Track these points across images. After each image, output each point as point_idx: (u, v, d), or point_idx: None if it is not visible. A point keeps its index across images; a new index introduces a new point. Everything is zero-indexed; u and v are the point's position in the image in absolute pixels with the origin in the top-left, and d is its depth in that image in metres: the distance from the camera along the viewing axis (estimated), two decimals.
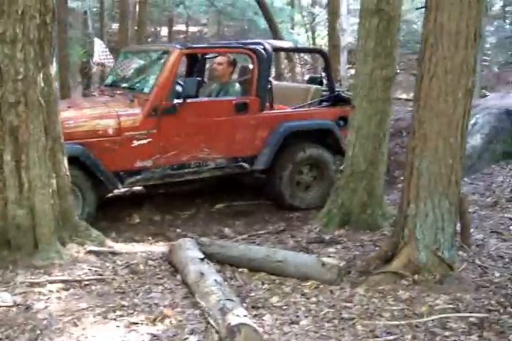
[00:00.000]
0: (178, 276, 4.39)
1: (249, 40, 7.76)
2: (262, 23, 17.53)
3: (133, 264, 4.57)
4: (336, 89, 7.46)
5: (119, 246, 4.92)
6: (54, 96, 4.50)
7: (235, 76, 7.33)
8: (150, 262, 4.66)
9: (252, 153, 6.71)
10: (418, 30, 17.17)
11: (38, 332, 3.54)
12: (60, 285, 4.12)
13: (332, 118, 7.15)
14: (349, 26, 17.53)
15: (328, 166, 7.09)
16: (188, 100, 6.20)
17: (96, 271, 4.39)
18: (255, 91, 6.69)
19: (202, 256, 4.42)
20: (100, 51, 10.64)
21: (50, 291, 4.04)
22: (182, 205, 6.89)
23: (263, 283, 4.40)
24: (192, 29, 28.97)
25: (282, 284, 4.37)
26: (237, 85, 6.92)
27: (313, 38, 22.04)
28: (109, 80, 7.41)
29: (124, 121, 5.98)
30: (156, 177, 6.22)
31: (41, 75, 4.33)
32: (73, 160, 5.31)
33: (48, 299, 3.94)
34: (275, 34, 13.07)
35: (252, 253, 4.66)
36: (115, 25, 19.83)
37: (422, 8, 4.42)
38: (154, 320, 3.70)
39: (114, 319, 3.73)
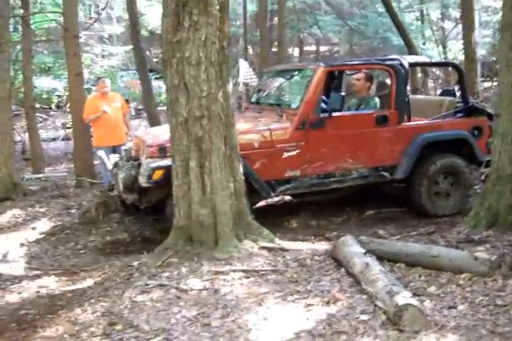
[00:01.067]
0: (342, 269, 4.86)
1: (386, 57, 8.07)
2: (395, 40, 17.86)
3: (301, 259, 5.11)
4: (470, 101, 7.65)
5: (287, 244, 5.47)
6: (231, 111, 5.17)
7: (371, 91, 7.68)
8: (315, 257, 5.17)
9: (391, 163, 7.04)
10: None
11: (229, 309, 4.16)
12: (241, 273, 4.73)
13: (467, 128, 7.36)
14: (481, 39, 17.55)
15: (464, 175, 7.31)
16: (334, 114, 6.67)
17: (269, 263, 4.96)
18: (394, 104, 7.03)
19: (364, 250, 4.89)
20: (245, 71, 11.40)
21: (233, 278, 4.65)
22: (334, 212, 7.40)
23: (420, 276, 4.79)
24: (322, 48, 29.68)
25: (438, 276, 4.74)
26: (375, 99, 7.31)
27: (445, 53, 22.02)
28: (253, 98, 7.98)
29: (275, 134, 6.53)
30: (304, 186, 6.70)
31: (221, 93, 5.02)
32: None
33: (232, 285, 4.56)
34: (411, 49, 13.35)
35: (408, 249, 5.08)
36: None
37: None
38: (328, 302, 4.22)
39: (293, 301, 4.28)
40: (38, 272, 5.64)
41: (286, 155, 6.53)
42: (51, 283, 5.25)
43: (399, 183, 7.30)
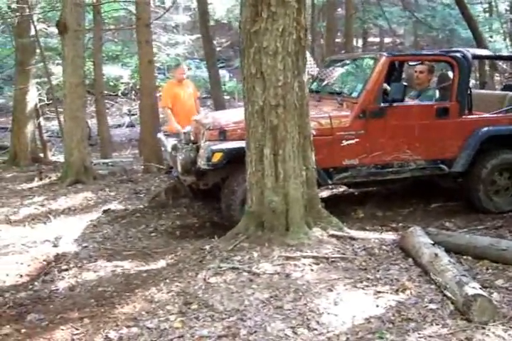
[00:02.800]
0: (410, 259, 4.93)
1: (449, 49, 8.03)
2: (463, 32, 17.61)
3: (369, 248, 5.18)
4: None
5: (355, 233, 5.54)
6: (306, 100, 5.26)
7: (432, 83, 7.67)
8: (383, 247, 5.24)
9: (450, 155, 7.00)
10: None
11: (300, 293, 4.27)
12: (311, 260, 4.83)
13: None
14: None
15: None
16: (394, 104, 6.68)
17: (338, 250, 5.05)
18: (455, 96, 6.98)
19: (432, 241, 4.94)
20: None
21: (304, 264, 4.75)
22: (400, 204, 7.46)
23: (487, 269, 4.84)
24: (386, 40, 29.43)
25: (505, 270, 4.78)
26: (435, 91, 7.34)
27: None
28: (313, 86, 7.91)
29: (335, 122, 6.59)
30: (361, 175, 6.74)
31: (296, 83, 5.11)
32: None
33: (302, 270, 4.66)
34: (480, 43, 13.17)
35: (477, 242, 5.11)
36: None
37: None
38: (397, 290, 4.30)
39: (362, 288, 4.37)
40: (111, 252, 5.88)
41: (345, 143, 6.58)
42: (125, 263, 5.48)
43: (456, 177, 7.25)
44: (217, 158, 6.16)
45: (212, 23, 22.45)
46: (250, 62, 5.10)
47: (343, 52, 14.77)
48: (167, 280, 4.69)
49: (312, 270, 4.68)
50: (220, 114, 7.50)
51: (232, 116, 6.94)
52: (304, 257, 4.85)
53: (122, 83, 18.15)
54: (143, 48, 10.26)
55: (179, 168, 6.60)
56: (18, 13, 12.79)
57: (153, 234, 6.50)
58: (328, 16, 15.81)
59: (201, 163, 6.28)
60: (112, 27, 17.45)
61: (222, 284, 4.47)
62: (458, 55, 7.09)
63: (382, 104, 6.71)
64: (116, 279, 5.07)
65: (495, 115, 7.32)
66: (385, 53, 7.07)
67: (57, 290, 4.96)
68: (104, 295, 4.73)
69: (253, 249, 5.02)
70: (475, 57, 7.54)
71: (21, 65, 13.38)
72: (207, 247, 5.28)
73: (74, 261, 5.51)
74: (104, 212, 7.49)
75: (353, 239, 5.34)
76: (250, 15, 5.09)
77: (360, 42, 28.94)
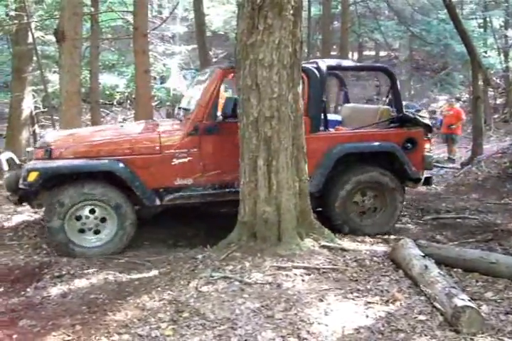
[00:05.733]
0: (401, 271, 4.98)
1: (308, 61, 7.34)
2: (458, 47, 17.77)
3: (360, 259, 5.24)
4: (405, 110, 7.00)
5: (347, 244, 5.62)
6: (300, 112, 5.33)
7: None
8: (374, 258, 5.30)
9: None
10: None
11: (291, 303, 4.32)
12: (303, 270, 4.88)
13: (396, 140, 6.67)
14: None
15: (389, 192, 6.67)
16: (228, 120, 6.16)
17: (330, 261, 5.11)
18: (306, 111, 6.28)
19: (423, 254, 4.99)
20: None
21: (295, 274, 4.80)
22: None
23: (477, 281, 4.89)
24: (382, 54, 29.67)
25: (495, 283, 4.83)
26: None
27: (507, 61, 21.75)
28: (182, 104, 7.47)
29: (165, 139, 6.23)
30: (196, 195, 6.31)
31: (291, 95, 5.19)
32: None
33: (294, 280, 4.71)
34: (473, 58, 13.29)
35: (466, 255, 5.17)
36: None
37: None
38: (387, 301, 4.35)
39: (353, 299, 4.42)
40: (103, 260, 5.90)
41: (176, 161, 6.18)
42: (118, 271, 5.49)
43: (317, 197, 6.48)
44: (32, 177, 5.86)
45: (208, 33, 22.61)
46: (246, 74, 5.18)
47: None
48: (159, 289, 4.73)
49: (303, 280, 4.72)
50: (63, 132, 7.14)
51: (72, 134, 6.73)
52: (296, 267, 4.91)
53: (118, 92, 18.15)
54: (139, 58, 10.29)
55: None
56: (16, 21, 12.84)
57: (145, 243, 6.51)
58: (323, 29, 15.92)
59: (19, 182, 5.99)
60: (109, 36, 17.48)
61: (213, 293, 4.51)
62: (309, 66, 6.64)
63: (216, 120, 6.27)
64: (108, 287, 5.09)
65: (355, 130, 6.84)
66: (221, 65, 6.74)
67: (49, 296, 4.96)
68: (96, 302, 4.75)
69: (245, 258, 5.07)
70: (331, 68, 6.94)
71: (18, 72, 13.44)
72: (199, 256, 5.33)
73: (66, 268, 5.52)
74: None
75: (344, 250, 5.40)
76: (247, 27, 5.18)
77: (355, 56, 29.15)
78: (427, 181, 7.12)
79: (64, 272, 5.43)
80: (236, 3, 5.58)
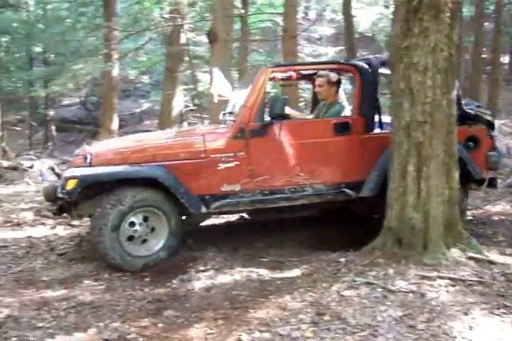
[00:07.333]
0: None
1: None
2: None
3: (508, 273, 4.96)
4: (465, 107, 6.59)
5: (495, 257, 5.36)
6: (453, 118, 5.18)
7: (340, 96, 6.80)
8: None
9: (357, 178, 6.20)
10: None
11: (434, 314, 4.19)
12: (447, 281, 4.72)
13: (458, 139, 5.79)
14: None
15: None
16: (277, 121, 5.99)
17: (476, 274, 4.90)
18: (358, 110, 6.26)
19: None
20: (219, 81, 10.20)
21: (440, 285, 4.66)
22: None
23: None
24: None
25: None
26: (343, 105, 6.58)
27: None
28: (229, 108, 7.10)
29: (209, 143, 5.99)
30: (244, 202, 6.08)
31: (445, 100, 5.06)
32: None
33: (438, 291, 4.57)
34: None
35: None
36: None
37: None
38: None
39: (499, 315, 4.22)
40: (247, 257, 6.01)
41: (222, 166, 5.91)
42: (260, 269, 5.57)
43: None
44: (71, 185, 5.63)
45: (356, 35, 22.48)
46: (399, 78, 5.10)
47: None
48: (301, 290, 4.74)
49: (448, 291, 4.58)
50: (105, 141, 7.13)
51: (113, 141, 6.67)
52: (440, 278, 4.76)
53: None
54: (288, 59, 10.44)
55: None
56: (171, 23, 13.39)
57: (289, 243, 6.55)
58: (475, 30, 15.37)
59: (58, 192, 5.78)
60: (258, 37, 17.83)
61: (355, 298, 4.47)
62: (359, 62, 6.39)
63: (263, 122, 6.00)
64: (251, 284, 5.18)
65: None
66: (268, 64, 6.42)
67: (193, 289, 5.13)
68: (239, 298, 4.84)
69: (389, 265, 4.99)
70: (384, 65, 6.48)
71: (170, 72, 14.03)
72: (342, 260, 5.29)
73: (211, 263, 5.67)
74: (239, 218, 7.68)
75: (492, 263, 5.17)
76: (401, 30, 5.10)
77: (506, 59, 27.92)
78: (492, 182, 6.72)
79: (209, 267, 5.59)
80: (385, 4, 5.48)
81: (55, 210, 6.09)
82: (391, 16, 6.00)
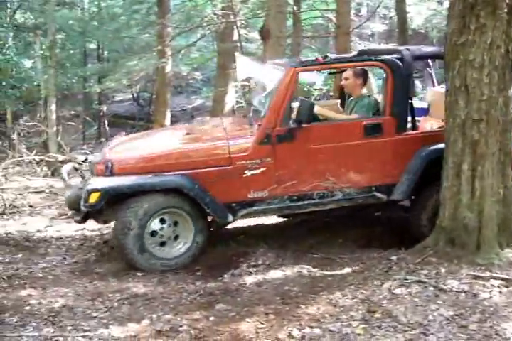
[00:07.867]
0: None
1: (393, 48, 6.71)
2: None
3: None
4: None
5: None
6: (510, 117, 5.10)
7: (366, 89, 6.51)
8: None
9: (388, 181, 6.00)
10: None
11: (487, 315, 4.15)
12: (501, 282, 4.65)
13: None
14: None
15: None
16: (304, 125, 5.74)
17: None
18: (389, 110, 5.94)
19: None
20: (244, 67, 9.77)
21: (492, 285, 4.59)
22: None
23: None
24: None
25: None
26: (372, 98, 6.30)
27: None
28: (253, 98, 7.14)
29: (234, 149, 5.84)
30: (272, 209, 6.00)
31: (501, 97, 4.98)
32: None
33: (491, 291, 4.51)
34: None
35: None
36: None
37: None
38: None
39: None
40: (298, 253, 6.04)
41: (248, 173, 5.75)
42: (311, 266, 5.59)
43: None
44: (93, 199, 5.55)
45: (409, 32, 22.22)
46: (455, 75, 5.04)
47: None
48: (352, 287, 4.74)
49: (501, 292, 4.51)
50: (124, 142, 6.72)
51: (133, 145, 6.44)
52: (494, 278, 4.70)
53: (315, 89, 18.40)
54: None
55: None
56: (223, 20, 13.46)
57: (339, 240, 6.55)
58: None
59: (81, 204, 5.72)
60: (309, 34, 17.78)
61: (407, 296, 4.45)
62: (390, 57, 5.96)
63: (290, 126, 5.73)
64: (301, 280, 5.20)
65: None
66: (291, 63, 6.07)
67: (245, 284, 5.19)
68: (290, 294, 4.87)
69: (441, 264, 4.94)
70: (417, 57, 6.21)
71: (222, 68, 14.12)
72: (394, 258, 5.28)
73: (262, 258, 5.71)
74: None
75: None
76: (457, 26, 5.03)
77: None
78: None
79: (260, 262, 5.64)
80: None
81: (79, 220, 6.04)
82: (445, 12, 5.90)
